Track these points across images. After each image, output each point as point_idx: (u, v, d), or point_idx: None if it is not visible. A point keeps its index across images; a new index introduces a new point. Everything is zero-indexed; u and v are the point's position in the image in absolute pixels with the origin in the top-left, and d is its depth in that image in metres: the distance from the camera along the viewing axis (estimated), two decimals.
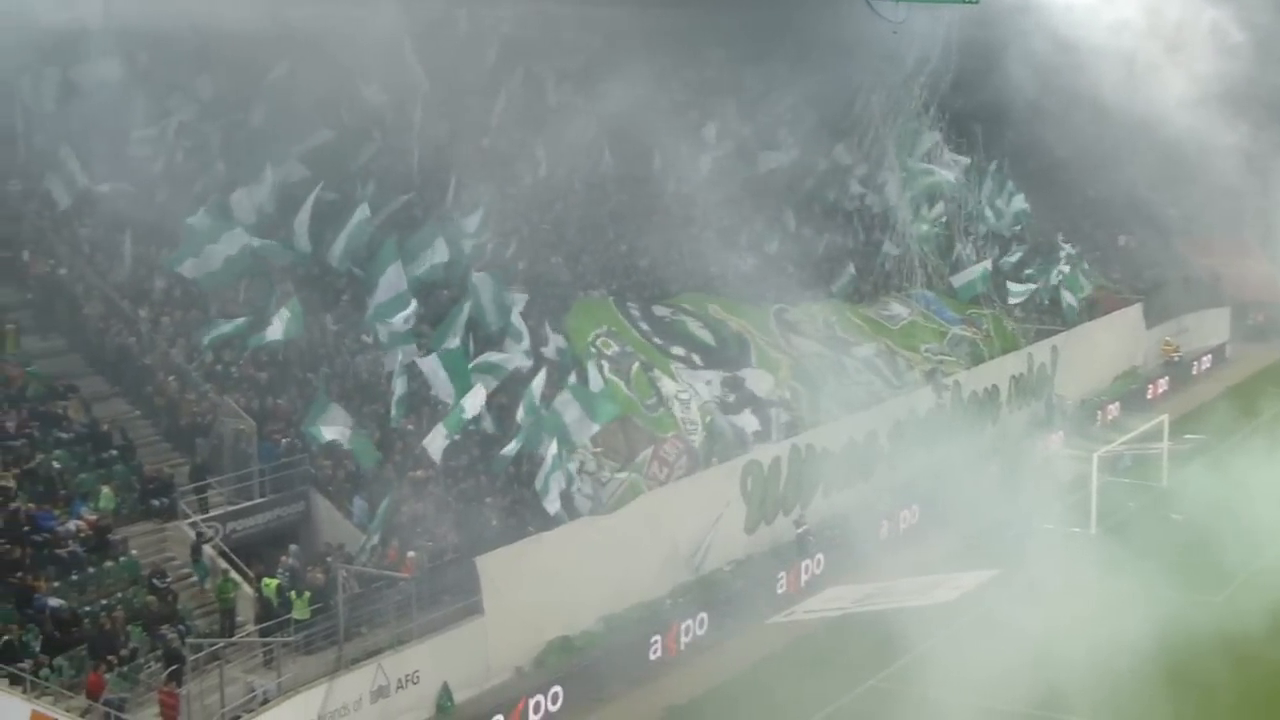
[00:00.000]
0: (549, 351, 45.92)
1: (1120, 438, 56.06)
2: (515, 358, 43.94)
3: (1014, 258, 68.74)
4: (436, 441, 39.97)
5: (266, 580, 35.36)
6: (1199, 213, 76.02)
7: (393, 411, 40.88)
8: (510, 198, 52.97)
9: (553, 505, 40.77)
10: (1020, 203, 71.34)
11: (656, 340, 51.04)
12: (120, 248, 42.63)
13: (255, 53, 47.36)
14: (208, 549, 36.00)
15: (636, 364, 48.75)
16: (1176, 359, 70.47)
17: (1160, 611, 40.83)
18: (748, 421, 49.78)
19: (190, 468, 38.16)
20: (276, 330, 40.57)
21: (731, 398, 50.39)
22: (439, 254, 46.02)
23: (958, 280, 64.53)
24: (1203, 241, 78.20)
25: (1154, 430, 54.93)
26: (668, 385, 48.79)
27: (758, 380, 51.70)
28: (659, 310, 52.52)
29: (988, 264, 65.46)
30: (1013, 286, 66.32)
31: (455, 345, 42.40)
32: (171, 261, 41.51)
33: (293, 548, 36.94)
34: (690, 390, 49.16)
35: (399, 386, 41.08)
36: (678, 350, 51.29)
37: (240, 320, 40.78)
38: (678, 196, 56.51)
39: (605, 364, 47.34)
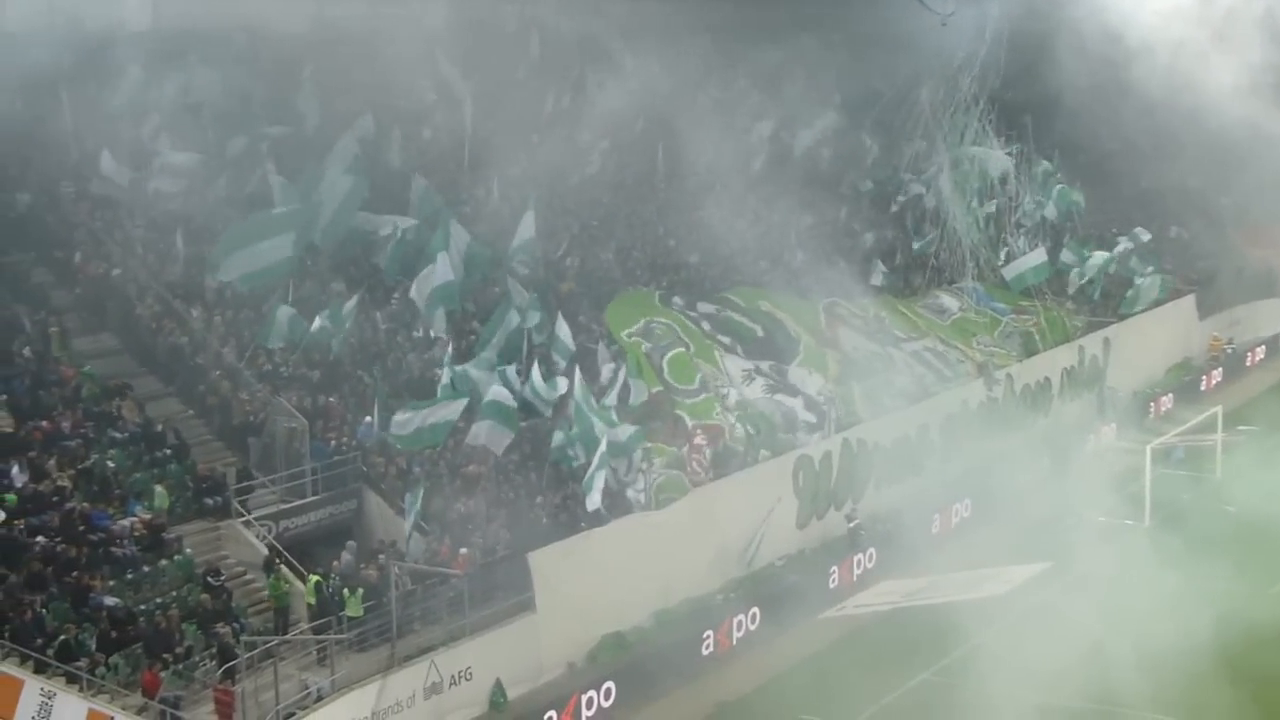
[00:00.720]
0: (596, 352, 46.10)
1: (1173, 429, 55.70)
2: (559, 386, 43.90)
3: (1071, 250, 68.33)
4: (495, 437, 40.09)
5: (312, 576, 35.51)
6: (1251, 203, 75.44)
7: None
8: (559, 194, 53.17)
9: (593, 503, 40.71)
10: (1072, 194, 70.88)
11: (705, 326, 51.10)
12: (172, 248, 42.91)
13: (302, 52, 47.64)
14: (261, 547, 36.21)
15: (677, 350, 48.83)
16: (1229, 352, 69.83)
17: (1215, 603, 40.61)
18: (798, 409, 49.83)
19: (239, 468, 38.42)
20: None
21: (778, 383, 50.39)
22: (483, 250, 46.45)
23: (1010, 271, 64.22)
24: (1256, 232, 77.50)
25: (1207, 422, 54.56)
26: (709, 371, 48.77)
27: (804, 379, 51.69)
28: (705, 307, 52.55)
29: (1043, 253, 65.10)
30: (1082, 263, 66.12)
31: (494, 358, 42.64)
32: (211, 267, 41.70)
33: (350, 544, 37.11)
34: (731, 377, 49.17)
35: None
36: (724, 339, 51.39)
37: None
38: (727, 192, 56.40)
39: (643, 352, 47.65)
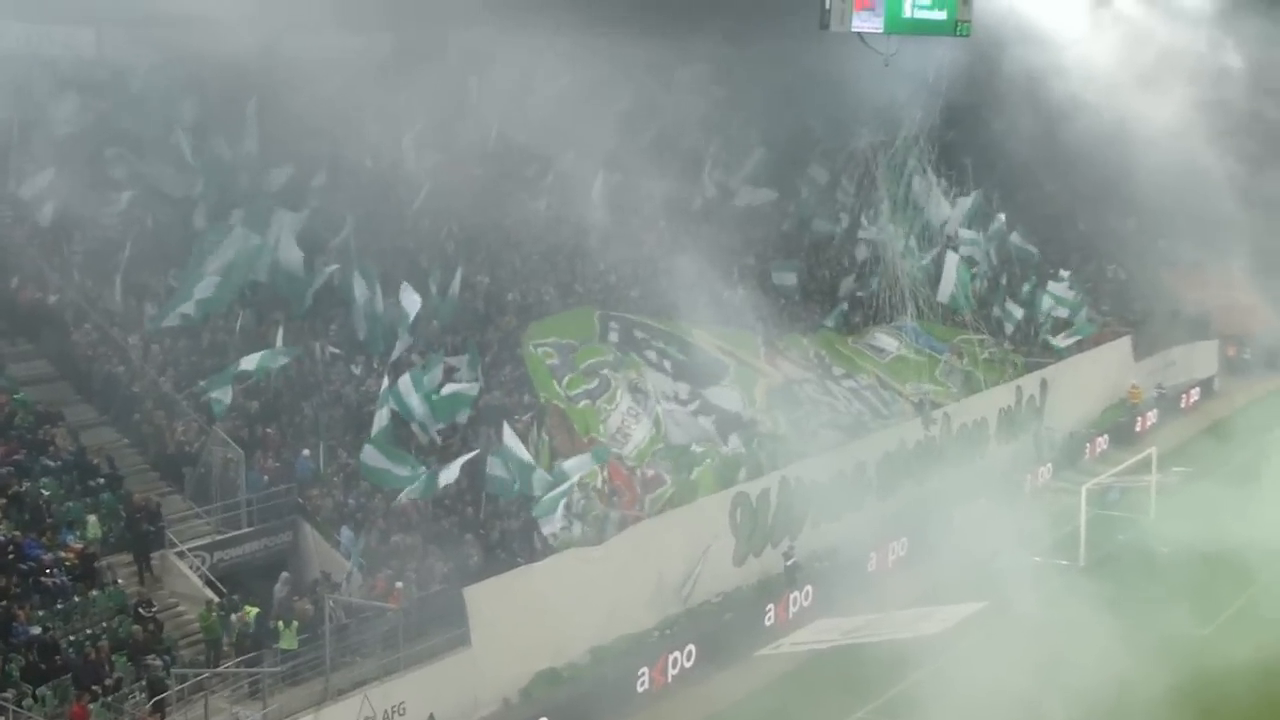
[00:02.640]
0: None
1: (1108, 470, 56.11)
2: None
3: (1012, 290, 68.72)
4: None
5: (246, 607, 35.23)
6: (1186, 245, 76.23)
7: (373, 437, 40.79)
8: (503, 229, 53.22)
9: (550, 526, 40.67)
10: (1012, 236, 71.34)
11: (630, 351, 51.26)
12: (111, 275, 42.63)
13: (246, 82, 47.53)
14: (194, 578, 35.91)
15: (590, 362, 49.20)
16: (1154, 397, 69.92)
17: (1149, 643, 40.94)
18: (710, 428, 49.99)
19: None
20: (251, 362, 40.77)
21: (695, 404, 50.51)
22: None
23: (941, 293, 64.27)
24: (1190, 274, 78.29)
25: (1142, 463, 54.95)
26: (617, 389, 48.91)
27: (725, 396, 51.72)
28: (639, 333, 52.60)
29: (959, 262, 65.28)
30: (1011, 308, 66.51)
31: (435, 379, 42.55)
32: (157, 319, 41.48)
33: (284, 575, 36.87)
34: (645, 393, 49.34)
35: (381, 418, 40.96)
36: (649, 358, 51.47)
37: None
38: (669, 229, 56.53)
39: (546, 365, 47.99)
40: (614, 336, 51.53)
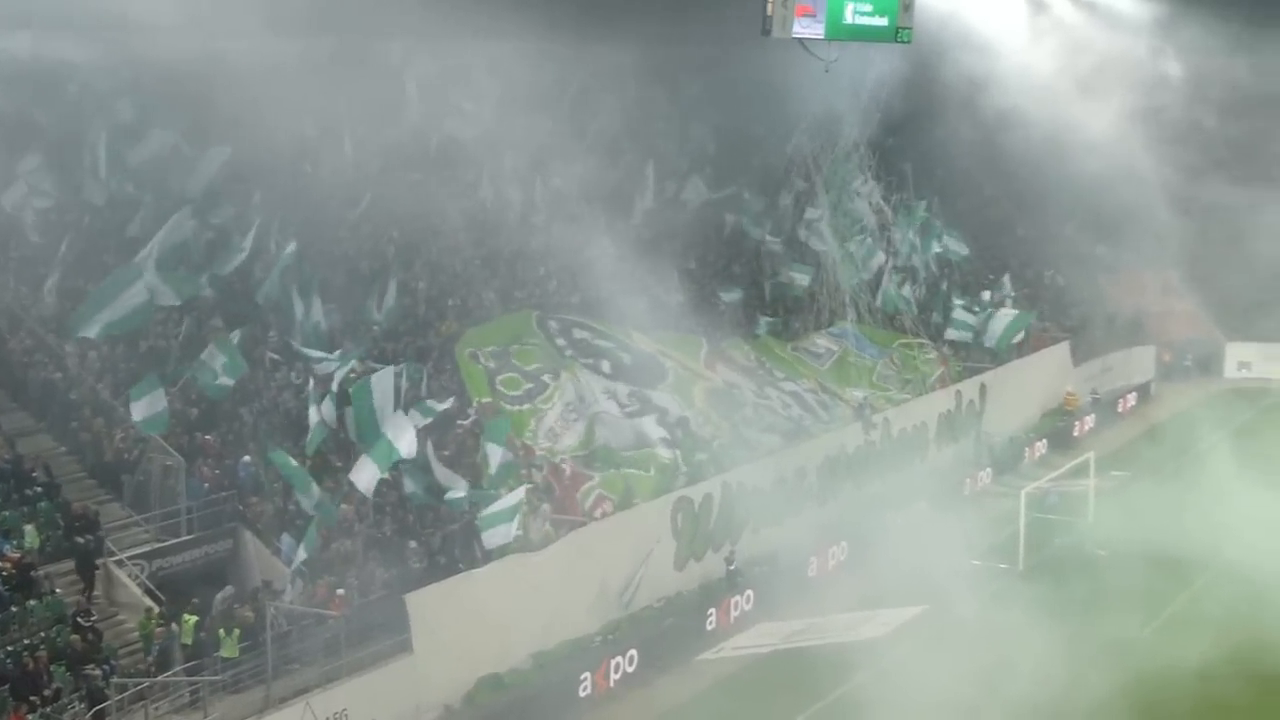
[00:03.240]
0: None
1: (1047, 475, 56.48)
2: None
3: (951, 296, 69.04)
4: (365, 475, 39.70)
5: (185, 616, 35.00)
6: (1124, 251, 76.84)
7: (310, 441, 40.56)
8: (441, 233, 53.10)
9: (493, 540, 40.63)
10: (951, 242, 71.73)
11: (568, 353, 51.20)
12: (46, 282, 42.28)
13: (183, 86, 47.25)
14: (133, 586, 35.65)
15: (529, 368, 49.23)
16: (1084, 405, 70.29)
17: (1087, 647, 41.35)
18: (651, 428, 49.88)
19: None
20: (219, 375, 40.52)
21: (634, 406, 50.52)
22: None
23: (880, 299, 64.50)
24: (1127, 279, 78.94)
25: (1080, 467, 55.33)
26: (553, 390, 48.90)
27: (666, 398, 51.78)
28: (579, 333, 52.56)
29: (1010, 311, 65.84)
30: (958, 316, 66.85)
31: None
32: (74, 325, 41.01)
33: (227, 588, 36.58)
34: (583, 396, 49.33)
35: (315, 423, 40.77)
36: (587, 360, 51.38)
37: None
38: (609, 234, 56.46)
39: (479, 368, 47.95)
40: (553, 338, 51.43)
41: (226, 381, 40.78)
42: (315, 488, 38.63)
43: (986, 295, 70.27)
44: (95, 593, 35.53)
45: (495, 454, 43.35)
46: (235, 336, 41.74)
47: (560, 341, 51.53)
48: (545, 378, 49.45)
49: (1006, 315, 67.86)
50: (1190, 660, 40.01)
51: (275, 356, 43.88)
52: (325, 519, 38.22)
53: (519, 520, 41.17)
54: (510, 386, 48.17)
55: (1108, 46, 63.12)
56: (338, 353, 43.65)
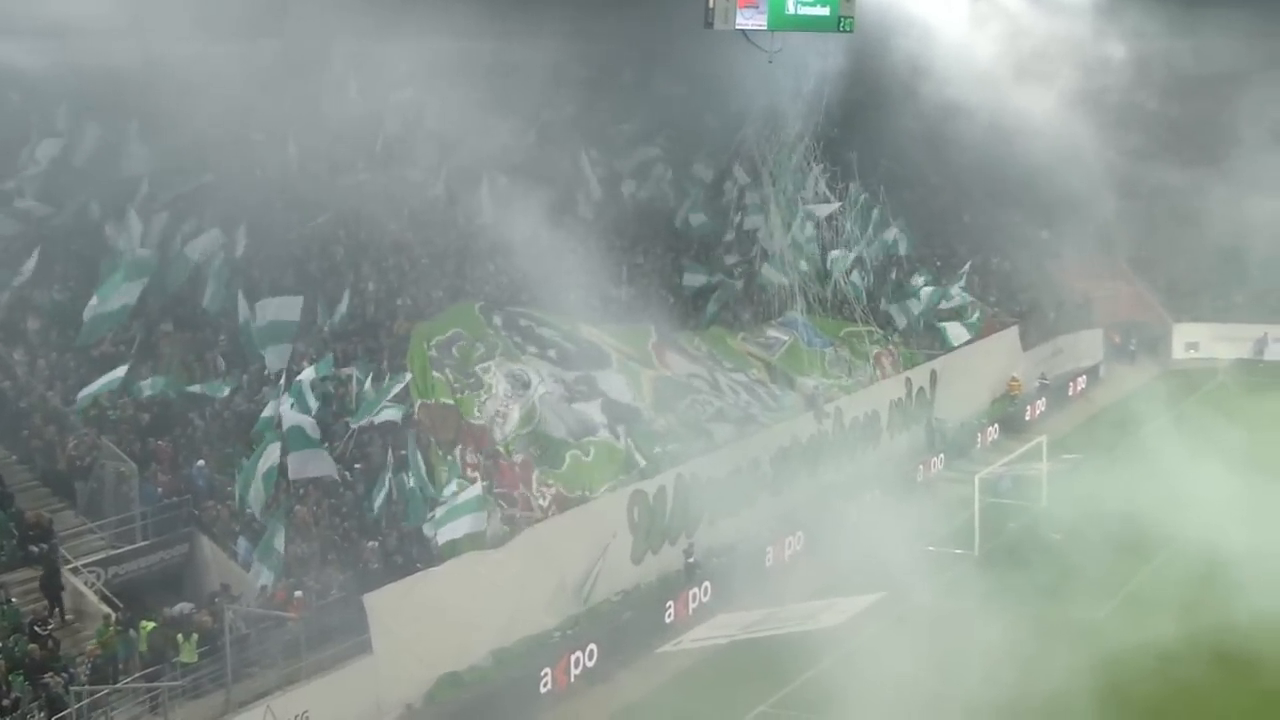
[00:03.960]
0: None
1: (1000, 459, 56.82)
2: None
3: (900, 283, 69.29)
4: (311, 464, 39.70)
5: (143, 623, 34.87)
6: (1070, 235, 77.33)
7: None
8: (391, 232, 52.99)
9: (448, 534, 40.65)
10: (898, 229, 71.90)
11: (515, 339, 51.02)
12: None
13: (128, 91, 46.98)
14: (89, 594, 35.47)
15: (476, 351, 49.17)
16: (1029, 390, 70.49)
17: (1044, 630, 41.65)
18: (594, 413, 49.85)
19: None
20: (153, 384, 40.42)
21: (581, 390, 50.52)
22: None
23: (828, 288, 64.71)
24: (1074, 264, 79.45)
25: (1033, 451, 55.65)
26: (496, 374, 48.81)
27: (611, 382, 51.75)
28: (524, 321, 52.46)
29: (845, 257, 65.93)
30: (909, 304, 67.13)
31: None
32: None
33: (184, 605, 36.35)
34: (527, 380, 49.26)
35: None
36: (532, 349, 51.24)
37: (115, 374, 39.99)
38: (557, 228, 56.43)
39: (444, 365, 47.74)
40: (498, 327, 51.24)
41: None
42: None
43: (931, 287, 70.13)
44: (66, 612, 35.36)
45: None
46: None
47: (505, 332, 51.34)
48: (489, 364, 49.25)
49: (956, 326, 68.00)
50: (1150, 641, 40.41)
51: (222, 358, 43.63)
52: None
53: (484, 514, 41.16)
54: (456, 375, 47.90)
55: (1050, 30, 63.43)
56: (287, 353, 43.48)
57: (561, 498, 46.02)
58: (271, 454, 38.87)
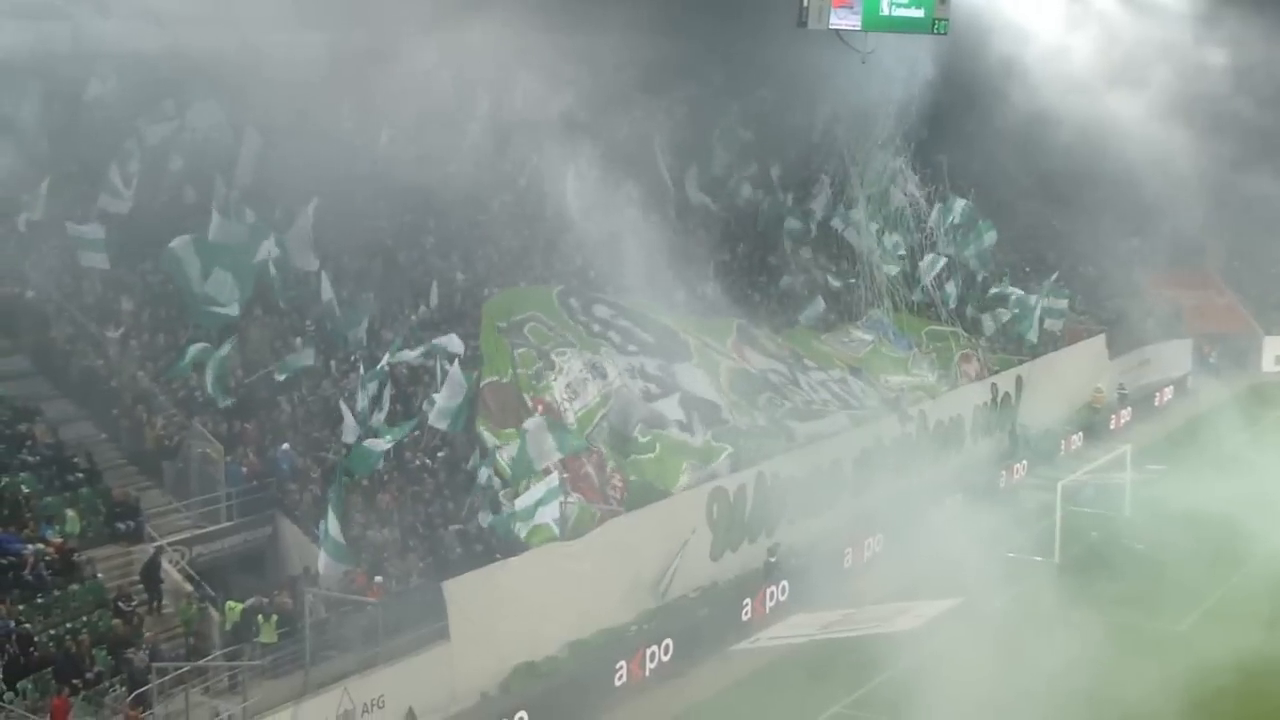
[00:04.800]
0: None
1: (1083, 467, 56.35)
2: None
3: (988, 288, 68.95)
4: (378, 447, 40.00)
5: (230, 604, 35.32)
6: (1161, 243, 76.67)
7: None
8: (479, 224, 53.24)
9: (525, 529, 40.85)
10: (988, 233, 71.51)
11: (593, 327, 51.09)
12: (87, 270, 42.50)
13: (228, 79, 47.40)
14: (174, 572, 35.91)
15: (550, 334, 49.33)
16: (1110, 401, 69.91)
17: (1123, 641, 41.32)
18: (670, 409, 49.67)
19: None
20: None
21: (656, 388, 50.38)
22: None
23: (917, 291, 64.52)
24: (1165, 273, 78.84)
25: (1117, 460, 55.19)
26: (571, 362, 48.81)
27: (691, 376, 51.65)
28: (600, 310, 52.53)
29: (935, 260, 65.71)
30: (985, 318, 66.78)
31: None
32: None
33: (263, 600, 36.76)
34: (604, 370, 49.26)
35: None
36: (613, 336, 51.24)
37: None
38: (645, 226, 56.46)
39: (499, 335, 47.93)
40: (575, 311, 51.45)
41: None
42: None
43: (1020, 292, 69.66)
44: (136, 578, 35.84)
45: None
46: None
47: (583, 317, 51.40)
48: (565, 350, 49.36)
49: (1041, 304, 67.48)
50: (1233, 654, 39.91)
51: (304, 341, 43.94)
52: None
53: (557, 504, 41.35)
54: (526, 362, 48.00)
55: (1144, 35, 62.86)
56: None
57: (634, 489, 46.09)
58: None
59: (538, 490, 41.54)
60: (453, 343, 43.53)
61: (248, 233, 43.17)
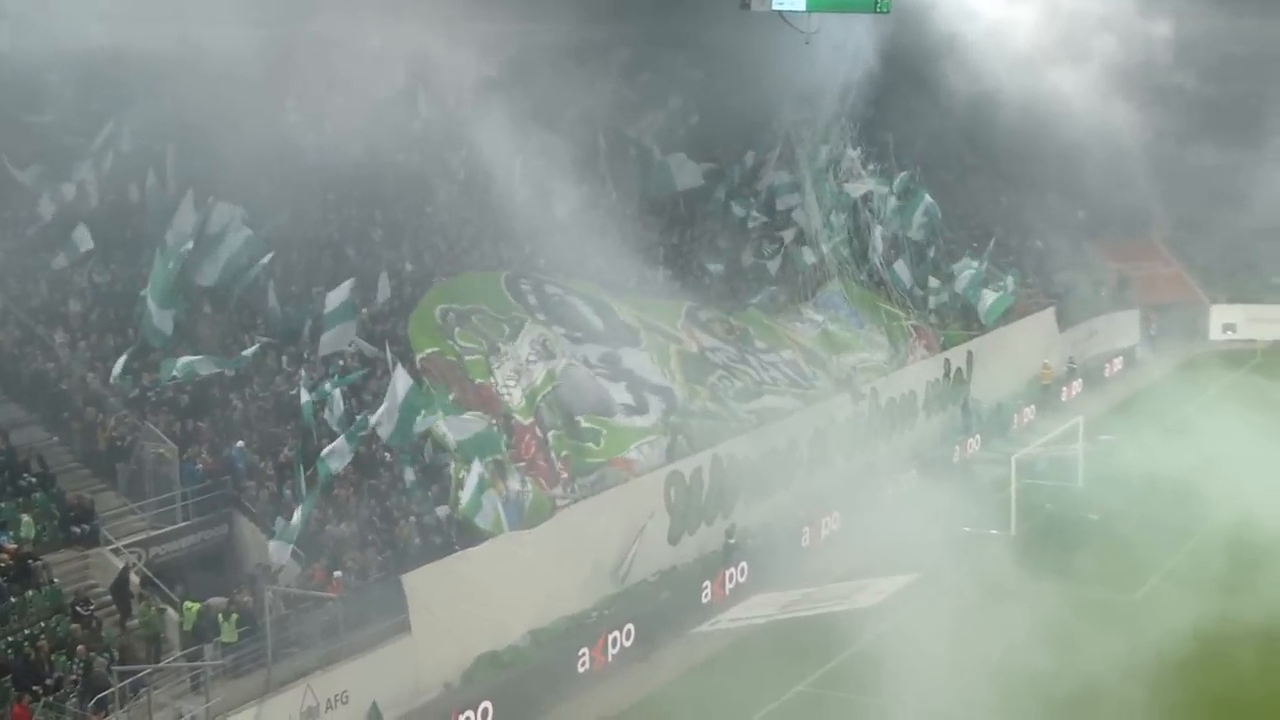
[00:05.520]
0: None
1: (1036, 440, 56.68)
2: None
3: (937, 265, 69.14)
4: (339, 456, 39.79)
5: (188, 604, 35.14)
6: (1108, 215, 77.04)
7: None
8: (426, 215, 53.10)
9: (485, 521, 40.76)
10: (931, 207, 71.62)
11: (539, 316, 50.88)
12: (36, 274, 42.23)
13: (170, 76, 47.15)
14: (131, 576, 35.71)
15: (495, 322, 49.16)
16: (1059, 375, 70.11)
17: (1081, 610, 41.62)
18: (618, 393, 49.55)
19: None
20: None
21: (605, 370, 50.26)
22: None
23: (865, 270, 64.66)
24: (1111, 244, 79.23)
25: (1069, 432, 55.49)
26: (519, 344, 48.76)
27: (637, 359, 51.58)
28: (551, 289, 52.40)
29: (882, 238, 65.89)
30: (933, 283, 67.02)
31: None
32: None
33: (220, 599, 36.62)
34: (545, 351, 49.14)
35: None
36: (558, 328, 50.99)
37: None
38: (592, 211, 56.42)
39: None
40: (525, 297, 51.35)
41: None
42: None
43: (969, 268, 69.80)
44: (93, 582, 35.63)
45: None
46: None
47: (531, 300, 51.36)
48: (508, 329, 49.30)
49: (990, 296, 67.68)
50: (1183, 621, 40.22)
51: (265, 339, 43.78)
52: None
53: (487, 492, 41.29)
54: (466, 339, 47.89)
55: (1088, 9, 63.16)
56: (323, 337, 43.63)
57: (584, 472, 46.07)
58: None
59: (471, 482, 41.35)
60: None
61: (192, 228, 42.90)
